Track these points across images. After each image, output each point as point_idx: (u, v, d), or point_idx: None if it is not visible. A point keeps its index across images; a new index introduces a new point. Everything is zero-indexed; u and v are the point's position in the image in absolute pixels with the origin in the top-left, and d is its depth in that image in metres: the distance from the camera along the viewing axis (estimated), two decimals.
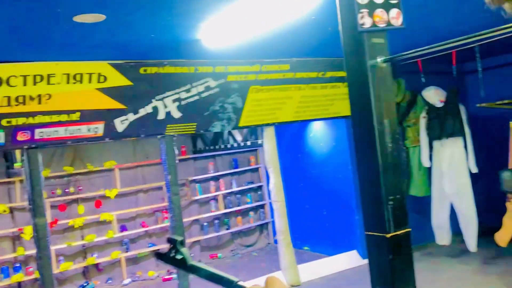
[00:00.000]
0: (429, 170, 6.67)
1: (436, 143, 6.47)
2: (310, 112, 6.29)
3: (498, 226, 5.71)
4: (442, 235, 6.58)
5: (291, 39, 4.73)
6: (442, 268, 6.26)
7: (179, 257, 0.96)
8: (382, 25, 2.85)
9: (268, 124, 6.03)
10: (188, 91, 5.06)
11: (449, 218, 6.48)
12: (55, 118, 4.36)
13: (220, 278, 0.84)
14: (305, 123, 7.58)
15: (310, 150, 7.80)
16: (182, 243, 0.97)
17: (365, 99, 2.85)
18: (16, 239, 6.83)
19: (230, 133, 8.11)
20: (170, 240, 0.99)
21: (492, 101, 6.18)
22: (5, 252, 6.65)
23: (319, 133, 7.60)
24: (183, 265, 0.96)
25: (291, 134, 8.09)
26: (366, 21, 2.81)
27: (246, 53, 5.10)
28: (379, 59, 2.84)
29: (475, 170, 6.19)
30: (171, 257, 0.97)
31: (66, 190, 7.14)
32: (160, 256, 1.00)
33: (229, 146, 8.06)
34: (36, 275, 6.18)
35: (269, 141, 6.23)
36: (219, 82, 5.23)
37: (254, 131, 8.24)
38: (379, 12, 2.84)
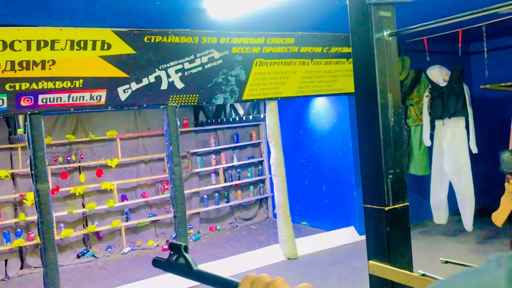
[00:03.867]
0: (429, 149, 6.70)
1: (438, 123, 6.47)
2: (313, 88, 6.27)
3: (495, 207, 5.75)
4: (440, 214, 6.64)
5: (297, 12, 4.69)
6: (438, 247, 6.33)
7: (182, 261, 0.90)
8: None
9: (271, 99, 6.02)
10: (191, 61, 5.04)
11: (447, 197, 6.53)
12: (58, 85, 4.37)
13: (228, 282, 0.81)
14: (308, 99, 7.58)
15: (312, 127, 7.82)
16: (186, 249, 0.91)
17: (369, 72, 2.85)
18: (18, 204, 6.91)
19: (232, 106, 8.10)
20: (172, 246, 0.92)
21: (496, 83, 6.15)
22: (6, 217, 6.74)
23: (321, 110, 7.60)
24: (186, 272, 0.90)
25: (293, 109, 8.09)
26: None
27: (251, 25, 5.06)
28: (385, 33, 2.83)
29: (475, 150, 6.21)
30: (171, 263, 0.92)
31: (68, 158, 7.19)
32: (158, 263, 0.94)
33: (231, 120, 8.06)
34: (37, 240, 6.27)
35: (271, 116, 6.23)
36: (223, 53, 5.21)
37: (256, 105, 8.24)
38: None
